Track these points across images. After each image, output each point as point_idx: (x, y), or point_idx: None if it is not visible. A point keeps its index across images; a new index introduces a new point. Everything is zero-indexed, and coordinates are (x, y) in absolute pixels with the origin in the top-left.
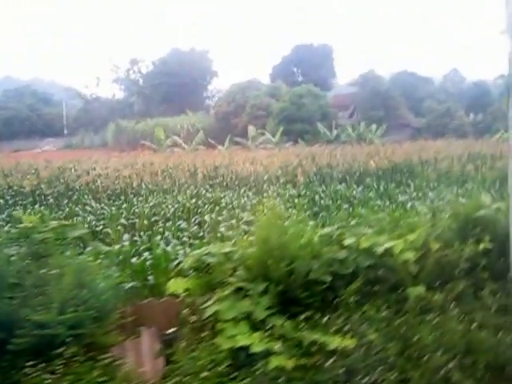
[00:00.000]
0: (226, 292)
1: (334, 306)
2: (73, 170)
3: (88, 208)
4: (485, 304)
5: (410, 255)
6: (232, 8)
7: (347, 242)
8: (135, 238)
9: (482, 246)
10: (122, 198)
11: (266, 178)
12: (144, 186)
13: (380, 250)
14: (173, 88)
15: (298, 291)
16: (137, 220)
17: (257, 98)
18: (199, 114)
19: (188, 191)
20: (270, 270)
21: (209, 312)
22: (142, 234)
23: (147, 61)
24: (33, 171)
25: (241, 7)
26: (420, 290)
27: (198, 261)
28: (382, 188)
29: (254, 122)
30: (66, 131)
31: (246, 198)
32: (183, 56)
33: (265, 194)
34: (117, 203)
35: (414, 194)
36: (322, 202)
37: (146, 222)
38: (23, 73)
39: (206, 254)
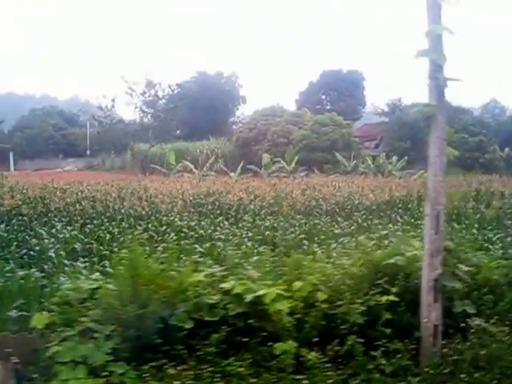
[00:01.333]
0: (73, 332)
1: (194, 356)
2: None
3: (53, 230)
4: (377, 366)
5: (284, 306)
6: (261, 31)
7: (224, 285)
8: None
9: (385, 299)
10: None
11: (250, 207)
12: (123, 211)
13: (249, 297)
14: (197, 112)
15: (154, 337)
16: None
17: (278, 124)
18: (222, 139)
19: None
20: (119, 312)
21: (50, 352)
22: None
23: (172, 83)
24: (24, 190)
25: (271, 30)
26: (290, 345)
27: (63, 296)
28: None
29: (274, 149)
30: (88, 152)
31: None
32: (209, 80)
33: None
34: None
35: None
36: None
37: (101, 247)
38: (61, 92)
39: (74, 289)
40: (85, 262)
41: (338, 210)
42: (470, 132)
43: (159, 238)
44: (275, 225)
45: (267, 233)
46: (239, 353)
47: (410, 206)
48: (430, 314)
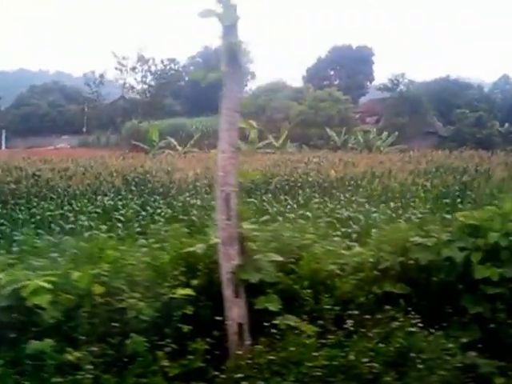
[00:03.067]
0: None
1: None
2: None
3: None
4: (159, 368)
5: (44, 299)
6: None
7: None
8: None
9: (179, 293)
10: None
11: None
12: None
13: (8, 289)
14: (201, 88)
15: None
16: None
17: (277, 100)
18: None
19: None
20: None
21: None
22: None
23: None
24: None
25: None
26: (46, 344)
27: None
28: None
29: (271, 125)
30: (85, 129)
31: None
32: (214, 55)
33: None
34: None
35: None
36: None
37: None
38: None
39: None
40: None
41: (287, 187)
42: (473, 107)
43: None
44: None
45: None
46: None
47: (361, 183)
48: (232, 311)
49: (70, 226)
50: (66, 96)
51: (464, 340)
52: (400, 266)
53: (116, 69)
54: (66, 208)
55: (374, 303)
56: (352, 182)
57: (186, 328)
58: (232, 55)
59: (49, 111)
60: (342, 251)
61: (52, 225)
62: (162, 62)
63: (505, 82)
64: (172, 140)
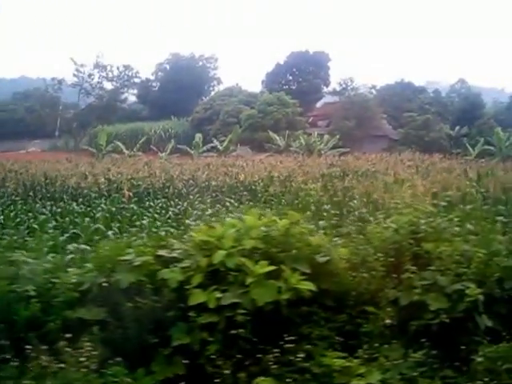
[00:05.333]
0: None
1: None
2: None
3: None
4: None
5: None
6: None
7: None
8: None
9: None
10: None
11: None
12: None
13: None
14: (168, 93)
15: None
16: None
17: (230, 105)
18: (183, 120)
19: None
20: None
21: None
22: None
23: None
24: None
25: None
26: None
27: None
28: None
29: (224, 129)
30: (57, 133)
31: None
32: (182, 62)
33: None
34: None
35: None
36: None
37: None
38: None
39: None
40: None
41: (185, 191)
42: (425, 111)
43: None
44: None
45: None
46: None
47: (257, 188)
48: None
49: None
50: (46, 101)
51: (161, 377)
52: (99, 288)
53: (74, 75)
54: None
55: (58, 330)
56: (250, 187)
57: None
58: None
59: (24, 116)
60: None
61: None
62: (118, 68)
63: (461, 85)
64: (119, 144)
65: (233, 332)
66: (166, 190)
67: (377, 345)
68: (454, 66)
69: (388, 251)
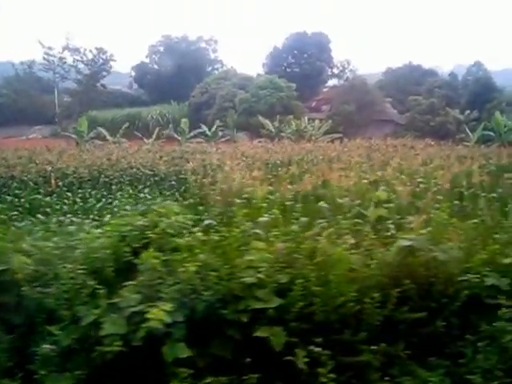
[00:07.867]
0: None
1: None
2: None
3: None
4: None
5: None
6: None
7: None
8: None
9: None
10: None
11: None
12: None
13: None
14: (165, 77)
15: None
16: None
17: (225, 88)
18: (182, 104)
19: None
20: None
21: None
22: None
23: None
24: None
25: None
26: None
27: None
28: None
29: (221, 113)
30: (56, 119)
31: None
32: (175, 45)
33: None
34: None
35: None
36: None
37: None
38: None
39: None
40: None
41: (133, 179)
42: (432, 94)
43: None
44: None
45: None
46: None
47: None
48: None
49: None
50: (44, 86)
51: None
52: None
53: (44, 59)
54: None
55: None
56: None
57: None
58: None
59: (24, 101)
60: None
61: None
62: (91, 51)
63: (477, 68)
64: (102, 130)
65: None
66: (100, 180)
67: None
68: (465, 50)
69: None
